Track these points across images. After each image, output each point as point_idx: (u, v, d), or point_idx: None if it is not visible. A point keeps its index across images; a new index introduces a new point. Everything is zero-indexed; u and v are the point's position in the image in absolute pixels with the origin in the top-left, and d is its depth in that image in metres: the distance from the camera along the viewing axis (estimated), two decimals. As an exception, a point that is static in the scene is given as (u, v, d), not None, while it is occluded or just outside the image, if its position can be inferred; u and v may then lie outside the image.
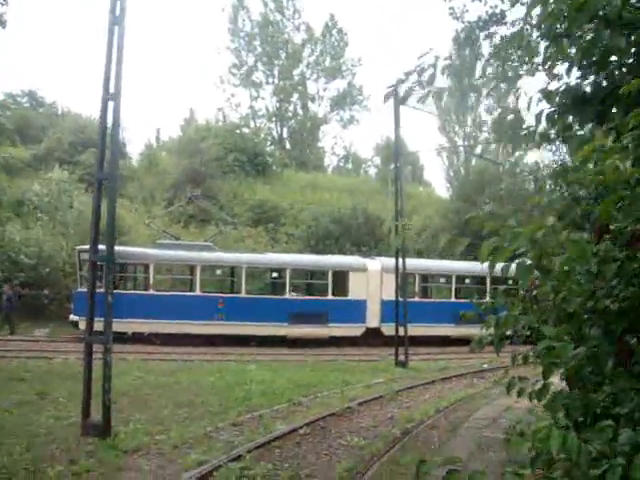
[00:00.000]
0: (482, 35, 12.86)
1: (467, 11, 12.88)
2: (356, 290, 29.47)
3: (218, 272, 29.86)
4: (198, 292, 27.82)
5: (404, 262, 23.24)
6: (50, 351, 22.76)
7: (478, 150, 74.90)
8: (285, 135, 77.33)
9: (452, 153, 78.37)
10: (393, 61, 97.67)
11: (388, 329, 27.56)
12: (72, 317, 27.09)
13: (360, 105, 76.87)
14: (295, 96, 76.34)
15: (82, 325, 27.02)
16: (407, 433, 11.14)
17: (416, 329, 27.35)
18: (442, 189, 73.47)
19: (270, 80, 75.70)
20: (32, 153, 48.62)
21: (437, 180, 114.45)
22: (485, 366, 22.96)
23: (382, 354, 25.64)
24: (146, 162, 56.34)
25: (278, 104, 76.01)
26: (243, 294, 28.39)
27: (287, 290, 28.93)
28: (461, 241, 4.49)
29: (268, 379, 17.20)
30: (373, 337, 29.37)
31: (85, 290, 26.95)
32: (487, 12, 12.62)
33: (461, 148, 76.05)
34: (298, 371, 19.51)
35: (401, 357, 22.45)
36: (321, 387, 16.42)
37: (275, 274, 29.99)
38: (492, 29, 12.71)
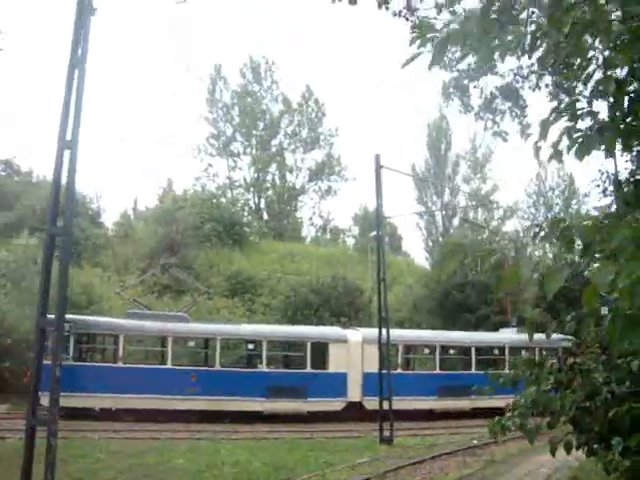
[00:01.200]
0: (471, 86, 12.16)
1: (457, 62, 12.18)
2: (336, 362, 28.14)
3: (191, 344, 28.43)
4: (170, 365, 26.33)
5: (388, 333, 22.01)
6: (5, 430, 21.02)
7: (456, 221, 75.10)
8: (262, 205, 76.81)
9: (430, 223, 78.46)
10: (370, 130, 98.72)
11: (370, 403, 26.22)
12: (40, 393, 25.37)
13: (338, 175, 76.80)
14: (273, 166, 76.19)
15: (44, 401, 25.51)
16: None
17: (399, 403, 26.06)
18: (421, 259, 72.85)
19: (248, 150, 75.61)
20: (3, 222, 47.42)
21: (416, 251, 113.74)
22: (475, 442, 21.60)
23: (365, 430, 24.22)
24: (121, 231, 55.35)
25: (256, 174, 75.75)
26: (217, 367, 26.93)
27: (264, 363, 27.53)
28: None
29: (243, 460, 15.74)
30: (355, 411, 27.91)
31: (48, 362, 25.94)
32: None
33: (440, 215, 76.18)
34: (276, 450, 18.04)
35: (386, 433, 21.00)
36: (301, 469, 15.00)
37: (251, 346, 28.60)
38: (482, 79, 12.02)
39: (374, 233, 32.30)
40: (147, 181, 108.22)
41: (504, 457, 17.51)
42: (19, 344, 29.71)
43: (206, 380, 26.37)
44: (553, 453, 6.40)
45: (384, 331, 21.92)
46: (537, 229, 4.39)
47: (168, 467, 14.69)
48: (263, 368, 27.46)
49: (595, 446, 6.63)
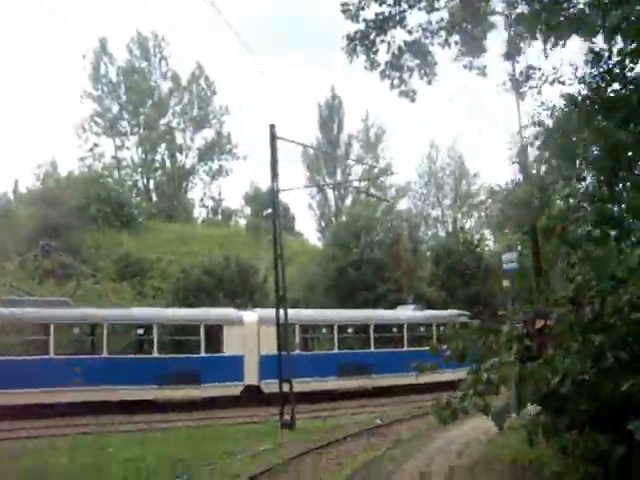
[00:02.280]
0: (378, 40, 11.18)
1: (364, 9, 11.13)
2: (232, 345, 26.94)
3: (76, 331, 26.39)
4: (52, 355, 24.34)
5: (286, 312, 20.87)
6: None
7: (348, 201, 75.01)
8: (152, 186, 74.30)
9: (323, 204, 78.06)
10: (261, 109, 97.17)
11: (269, 386, 25.27)
12: None
13: (229, 154, 75.23)
14: (162, 146, 73.73)
15: None
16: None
17: (298, 385, 25.19)
18: (314, 240, 72.39)
19: (135, 130, 72.80)
20: None
21: (309, 231, 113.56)
22: (379, 421, 21.00)
23: (265, 414, 23.22)
24: (-1, 214, 51.93)
25: (144, 154, 73.09)
26: (104, 354, 25.15)
27: (154, 348, 25.96)
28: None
29: (135, 456, 14.33)
30: (253, 396, 26.85)
31: None
32: (384, 13, 10.96)
33: (332, 195, 75.83)
34: (170, 442, 16.70)
35: (287, 417, 19.98)
36: (199, 462, 13.76)
37: (141, 331, 26.95)
38: (389, 33, 11.06)
39: (269, 211, 31.29)
40: (28, 162, 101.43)
41: (411, 436, 16.91)
42: None
43: (93, 369, 24.53)
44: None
45: (282, 311, 20.80)
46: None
47: (47, 470, 13.10)
48: (154, 354, 25.89)
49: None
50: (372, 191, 70.41)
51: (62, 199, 48.04)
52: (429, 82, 11.92)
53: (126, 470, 12.76)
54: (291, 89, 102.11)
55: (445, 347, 6.17)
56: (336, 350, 29.67)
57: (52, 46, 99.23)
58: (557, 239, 11.22)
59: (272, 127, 19.91)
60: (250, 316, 28.22)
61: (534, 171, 11.28)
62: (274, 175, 19.53)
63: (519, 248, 18.90)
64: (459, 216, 69.31)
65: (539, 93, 11.71)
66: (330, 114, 78.35)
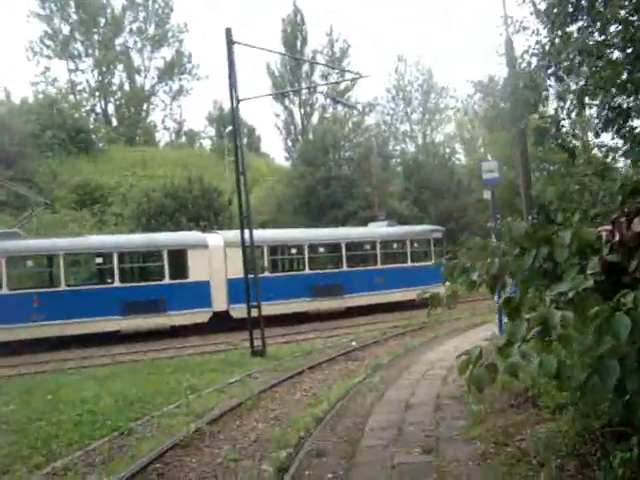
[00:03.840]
0: None
1: None
2: (197, 270, 25.62)
3: (30, 263, 24.82)
4: (5, 290, 22.86)
5: (251, 233, 19.51)
6: None
7: (315, 118, 72.87)
8: (111, 111, 71.37)
9: (289, 123, 75.80)
10: (222, 25, 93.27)
11: (238, 311, 24.18)
12: None
13: (189, 74, 72.23)
14: (119, 68, 70.47)
15: None
16: (283, 470, 7.68)
17: (269, 308, 24.21)
18: (282, 160, 70.55)
19: (90, 51, 69.26)
20: None
21: (276, 151, 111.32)
22: (354, 343, 20.06)
23: (234, 341, 22.20)
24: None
25: (100, 77, 69.83)
26: (63, 287, 23.71)
27: (116, 277, 24.57)
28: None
29: (91, 397, 13.11)
30: (222, 322, 25.78)
31: None
32: None
33: (298, 114, 73.57)
34: (132, 378, 15.49)
35: (257, 343, 18.87)
36: (161, 399, 12.61)
37: (100, 260, 25.48)
38: None
39: (230, 128, 29.49)
40: None
41: (389, 359, 15.91)
42: None
43: (52, 303, 23.15)
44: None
45: (247, 232, 19.42)
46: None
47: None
48: (116, 283, 24.51)
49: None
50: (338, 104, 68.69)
51: (15, 127, 45.51)
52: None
53: (77, 415, 11.53)
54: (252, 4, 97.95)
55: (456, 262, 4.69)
56: (307, 271, 28.56)
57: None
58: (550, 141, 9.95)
59: (228, 31, 18.13)
60: (215, 239, 26.87)
61: (524, 65, 9.85)
62: (232, 83, 17.86)
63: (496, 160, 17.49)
64: (428, 130, 67.85)
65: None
66: (293, 29, 75.37)
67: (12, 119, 47.45)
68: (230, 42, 17.98)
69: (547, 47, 9.88)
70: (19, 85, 70.05)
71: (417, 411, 9.72)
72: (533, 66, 10.01)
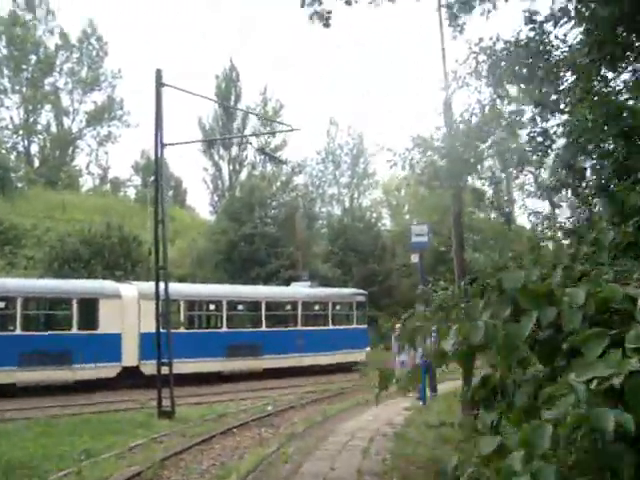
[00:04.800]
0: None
1: None
2: (108, 322, 24.12)
3: None
4: None
5: (166, 285, 18.32)
6: None
7: (243, 175, 72.37)
8: (34, 151, 69.11)
9: (217, 178, 74.98)
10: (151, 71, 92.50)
11: (149, 367, 22.59)
12: None
13: (120, 120, 70.88)
14: (47, 108, 68.59)
15: None
16: None
17: (182, 365, 22.94)
18: (207, 214, 69.39)
19: (17, 88, 67.24)
20: None
21: (201, 206, 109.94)
22: (270, 408, 18.94)
23: (142, 399, 20.65)
24: None
25: (26, 115, 67.74)
26: (-43, 332, 21.90)
27: (17, 324, 22.81)
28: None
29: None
30: (132, 378, 24.21)
31: None
32: None
33: (226, 170, 72.91)
34: (21, 438, 13.96)
35: (166, 403, 17.49)
36: (49, 466, 11.22)
37: (2, 304, 23.72)
38: None
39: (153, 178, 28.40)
40: None
41: (306, 426, 14.86)
42: None
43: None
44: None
45: (162, 284, 18.25)
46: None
47: None
48: (16, 331, 22.75)
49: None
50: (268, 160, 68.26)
51: None
52: (347, 1, 9.83)
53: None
54: (188, 57, 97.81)
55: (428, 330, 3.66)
56: (225, 329, 27.38)
57: None
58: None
59: (159, 72, 17.33)
60: (129, 290, 25.50)
61: (462, 125, 9.38)
62: (158, 125, 16.96)
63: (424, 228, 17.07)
64: (356, 194, 68.13)
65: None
66: (227, 85, 75.30)
67: None
68: (159, 84, 17.18)
69: (487, 108, 9.49)
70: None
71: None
72: (473, 124, 9.54)
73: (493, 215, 30.77)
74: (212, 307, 27.94)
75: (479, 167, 9.53)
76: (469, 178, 10.16)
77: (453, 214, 11.89)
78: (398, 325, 19.83)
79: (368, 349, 31.80)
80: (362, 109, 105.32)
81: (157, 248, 17.95)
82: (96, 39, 70.57)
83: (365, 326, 32.37)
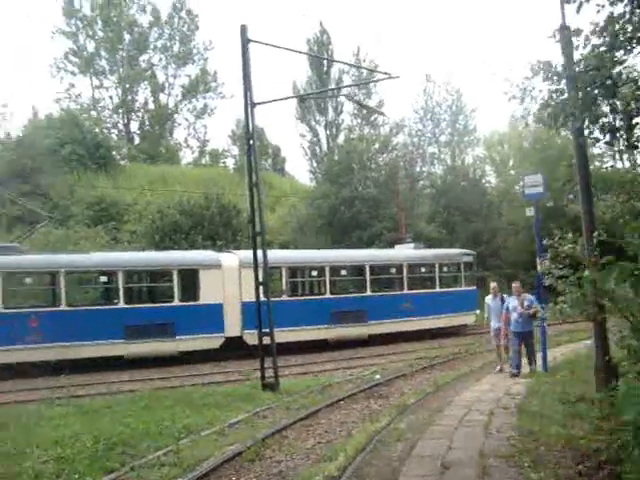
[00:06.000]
0: None
1: None
2: (209, 292, 23.72)
3: (28, 280, 23.00)
4: (0, 308, 21.14)
5: (265, 253, 17.43)
6: None
7: (341, 139, 71.22)
8: (134, 128, 70.27)
9: (314, 144, 74.18)
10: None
11: (252, 337, 22.10)
12: None
13: (214, 92, 71.04)
14: (143, 85, 69.50)
15: None
16: None
17: (286, 334, 22.40)
18: (306, 181, 68.78)
19: (114, 68, 68.37)
20: None
21: (300, 173, 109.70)
22: (378, 377, 17.97)
23: (246, 369, 20.16)
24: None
25: (124, 94, 68.85)
26: (64, 307, 21.90)
27: (121, 298, 22.72)
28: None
29: (68, 436, 11.23)
30: (235, 348, 23.83)
31: None
32: None
33: (324, 135, 71.96)
34: (124, 412, 13.57)
35: (269, 374, 16.78)
36: (148, 443, 10.66)
37: (104, 278, 23.73)
38: None
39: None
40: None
41: (418, 398, 13.76)
42: None
43: (51, 323, 21.37)
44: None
45: (261, 251, 17.42)
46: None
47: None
48: (120, 304, 22.67)
49: None
50: (364, 130, 66.77)
51: (34, 142, 44.24)
52: None
53: (47, 459, 9.64)
54: (279, 24, 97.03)
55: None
56: (328, 295, 26.53)
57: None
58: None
59: (243, 28, 16.37)
60: (230, 259, 24.99)
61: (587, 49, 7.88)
62: (247, 85, 16.05)
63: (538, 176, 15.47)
64: (457, 152, 65.82)
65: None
66: (319, 50, 74.10)
67: (32, 135, 46.31)
68: (245, 40, 16.22)
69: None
70: (44, 102, 69.03)
71: (457, 476, 7.65)
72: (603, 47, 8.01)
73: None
74: (315, 273, 27.12)
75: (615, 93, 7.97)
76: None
77: (578, 158, 10.38)
78: (493, 284, 18.43)
79: (477, 311, 30.34)
80: (458, 63, 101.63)
81: (252, 213, 17.09)
82: (186, 13, 70.79)
83: (474, 288, 30.86)
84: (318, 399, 14.56)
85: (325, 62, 74.48)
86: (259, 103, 16.50)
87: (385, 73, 17.84)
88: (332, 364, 21.57)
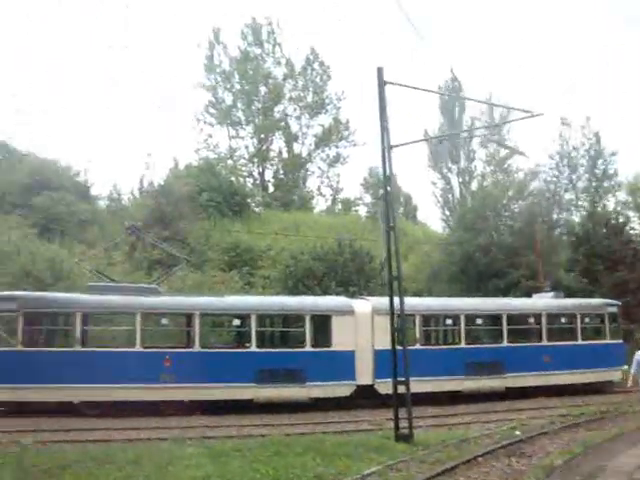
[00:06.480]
0: None
1: None
2: (341, 338, 23.35)
3: (164, 321, 23.53)
4: (139, 347, 21.68)
5: (401, 299, 16.81)
6: None
7: (474, 186, 69.92)
8: (268, 176, 72.06)
9: (447, 191, 73.25)
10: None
11: (384, 386, 21.55)
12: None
13: (347, 140, 71.86)
14: (277, 135, 71.38)
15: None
16: None
17: (419, 384, 21.48)
18: (438, 228, 67.75)
19: (250, 119, 70.75)
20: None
21: (432, 221, 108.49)
22: (518, 433, 16.83)
23: (377, 419, 19.53)
24: (112, 206, 51.05)
25: (259, 143, 70.93)
26: (197, 348, 22.21)
27: (253, 341, 22.74)
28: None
29: (199, 477, 11.06)
30: (365, 397, 23.23)
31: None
32: None
33: (456, 182, 70.97)
34: (254, 457, 13.28)
35: (403, 425, 16.04)
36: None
37: (238, 321, 23.90)
38: None
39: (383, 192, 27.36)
40: (137, 153, 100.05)
41: (565, 459, 12.64)
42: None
43: (184, 364, 21.78)
44: None
45: (397, 299, 16.83)
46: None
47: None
48: (253, 347, 22.69)
49: None
50: (498, 176, 65.18)
51: (175, 190, 46.18)
52: None
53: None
54: (408, 74, 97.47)
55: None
56: (463, 344, 25.51)
57: (166, 37, 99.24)
58: None
59: (380, 71, 16.21)
60: (362, 305, 24.60)
61: None
62: (383, 126, 15.79)
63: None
64: (597, 198, 62.80)
65: None
66: (451, 97, 73.64)
67: (173, 183, 48.31)
68: (382, 82, 16.03)
69: None
70: (184, 152, 72.97)
71: None
72: None
73: None
74: (449, 322, 26.20)
75: None
76: None
77: None
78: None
79: (625, 367, 28.23)
80: (597, 106, 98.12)
81: (389, 256, 16.63)
82: (319, 64, 72.42)
83: (620, 341, 28.84)
84: (454, 454, 13.68)
85: (457, 109, 73.97)
86: (395, 145, 16.19)
87: (525, 111, 17.06)
88: (468, 417, 20.57)
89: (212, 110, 70.25)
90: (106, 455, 13.49)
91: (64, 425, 18.58)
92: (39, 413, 20.45)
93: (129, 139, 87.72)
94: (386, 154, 16.07)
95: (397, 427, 15.97)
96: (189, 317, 22.82)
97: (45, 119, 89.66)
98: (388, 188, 16.54)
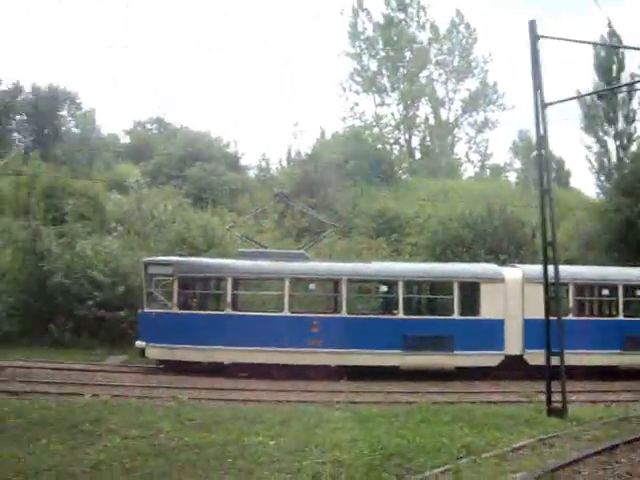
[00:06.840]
0: None
1: None
2: (490, 307, 22.71)
3: (311, 287, 23.84)
4: (287, 312, 22.14)
5: (556, 267, 15.97)
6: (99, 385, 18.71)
7: (634, 148, 65.79)
8: (414, 143, 71.22)
9: (602, 155, 69.38)
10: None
11: (534, 357, 20.82)
12: (138, 343, 22.41)
13: (495, 104, 69.60)
14: (423, 101, 70.23)
15: (150, 353, 22.30)
16: None
17: (571, 357, 20.39)
18: (592, 195, 64.38)
19: (395, 85, 70.02)
20: (142, 170, 45.88)
21: (586, 187, 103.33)
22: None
23: (526, 391, 18.86)
24: (262, 175, 52.38)
25: (405, 110, 70.10)
26: (344, 314, 22.38)
27: (400, 308, 22.60)
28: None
29: (346, 440, 11.10)
30: (514, 368, 22.51)
31: (152, 311, 22.59)
32: None
33: (613, 146, 67.05)
34: (401, 423, 13.20)
35: (555, 398, 15.38)
36: (425, 459, 10.07)
37: (384, 288, 23.79)
38: None
39: (534, 153, 26.20)
40: (286, 123, 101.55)
41: None
42: (134, 291, 26.76)
43: (330, 329, 22.05)
44: None
45: (551, 265, 16.03)
46: None
47: (229, 451, 10.30)
48: (400, 315, 22.55)
49: None
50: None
51: (321, 159, 46.70)
52: None
53: (322, 463, 9.52)
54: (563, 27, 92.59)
55: None
56: (621, 317, 24.05)
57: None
58: None
59: (532, 24, 15.35)
60: (513, 273, 23.77)
61: None
62: (537, 84, 14.99)
63: None
64: None
65: None
66: (607, 53, 69.38)
67: (320, 152, 48.81)
68: (534, 36, 15.17)
69: None
70: (331, 121, 73.41)
71: None
72: None
73: None
74: (605, 292, 24.73)
75: None
76: None
77: None
78: None
79: None
80: None
81: (543, 221, 15.81)
82: (464, 27, 70.36)
83: None
84: (614, 433, 12.88)
85: (614, 66, 69.57)
86: (550, 103, 15.31)
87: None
88: (628, 394, 19.42)
89: (357, 78, 70.14)
90: (256, 415, 13.90)
91: (216, 385, 19.34)
92: (193, 372, 21.46)
93: (278, 110, 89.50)
94: (540, 113, 15.26)
95: (549, 400, 15.34)
96: (336, 283, 23.00)
97: (195, 97, 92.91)
98: (542, 150, 15.69)
